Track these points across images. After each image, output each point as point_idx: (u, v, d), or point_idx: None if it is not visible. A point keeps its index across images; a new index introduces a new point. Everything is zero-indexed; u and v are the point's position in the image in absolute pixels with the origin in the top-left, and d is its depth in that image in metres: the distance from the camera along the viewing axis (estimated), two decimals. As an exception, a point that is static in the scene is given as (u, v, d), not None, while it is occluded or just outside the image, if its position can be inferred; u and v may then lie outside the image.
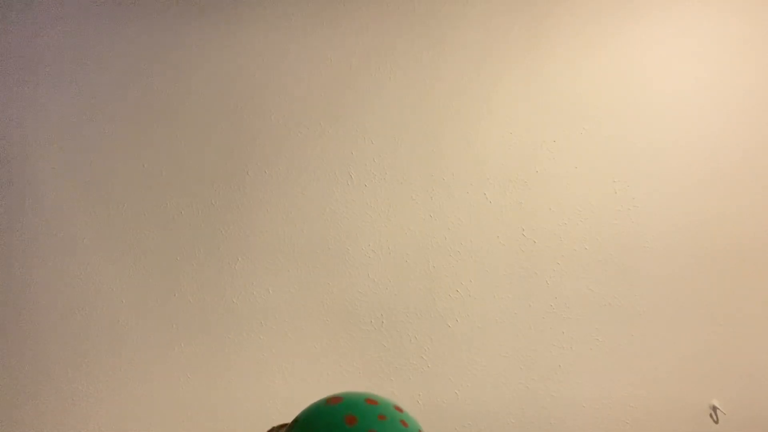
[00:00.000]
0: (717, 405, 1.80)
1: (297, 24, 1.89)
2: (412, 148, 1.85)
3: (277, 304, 1.83)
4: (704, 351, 1.81)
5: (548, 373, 1.81)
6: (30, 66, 1.88)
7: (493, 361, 1.81)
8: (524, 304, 1.82)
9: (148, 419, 1.81)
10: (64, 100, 1.88)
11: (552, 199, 1.83)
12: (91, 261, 1.84)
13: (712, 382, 1.81)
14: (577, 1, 1.86)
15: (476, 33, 1.87)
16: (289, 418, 1.84)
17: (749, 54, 1.85)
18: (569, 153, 1.83)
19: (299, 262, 1.83)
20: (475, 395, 1.81)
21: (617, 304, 1.82)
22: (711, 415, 1.81)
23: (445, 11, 1.87)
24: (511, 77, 1.86)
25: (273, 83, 1.88)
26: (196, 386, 1.82)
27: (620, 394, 1.81)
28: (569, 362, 1.81)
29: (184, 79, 1.88)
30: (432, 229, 1.83)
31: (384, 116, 1.86)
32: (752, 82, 1.84)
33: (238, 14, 1.89)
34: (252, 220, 1.84)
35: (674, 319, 1.81)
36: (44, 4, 1.89)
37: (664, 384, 1.81)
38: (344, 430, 0.73)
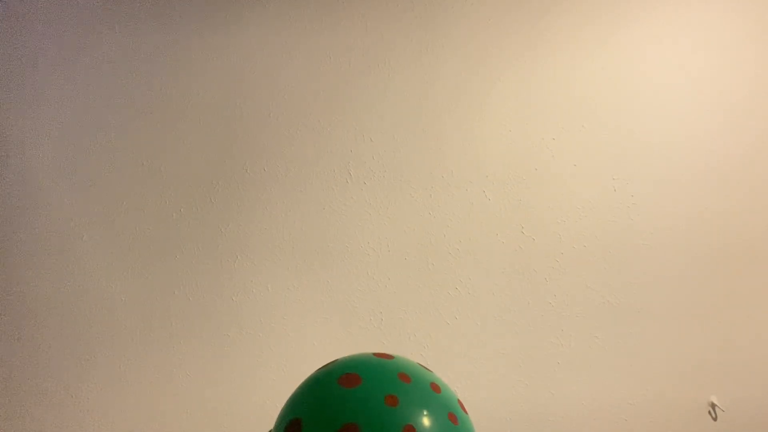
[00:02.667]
0: (715, 402, 1.81)
1: (296, 22, 1.88)
2: (412, 146, 1.85)
3: (276, 301, 1.83)
4: (703, 348, 1.81)
5: (547, 371, 1.81)
6: (29, 66, 1.88)
7: (492, 358, 1.82)
8: (523, 301, 1.82)
9: (146, 417, 1.82)
10: (64, 99, 1.87)
11: (551, 196, 1.83)
12: (90, 259, 1.84)
13: (711, 379, 1.82)
14: (576, 0, 1.86)
15: (475, 31, 1.86)
16: (288, 416, 1.83)
17: (747, 51, 1.85)
18: (568, 151, 1.83)
19: (298, 259, 1.83)
20: (474, 393, 1.81)
21: (616, 301, 1.82)
22: (710, 412, 1.81)
23: (444, 10, 1.87)
24: (510, 75, 1.85)
25: (272, 81, 1.88)
26: (195, 384, 1.82)
27: (619, 391, 1.81)
28: (568, 360, 1.81)
29: (183, 77, 1.88)
30: (431, 227, 1.83)
31: (383, 114, 1.86)
32: (751, 79, 1.84)
33: (237, 12, 1.89)
34: (251, 218, 1.84)
35: (673, 317, 1.82)
36: (44, 4, 1.89)
37: (662, 381, 1.81)
38: (399, 385, 0.73)
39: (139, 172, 1.86)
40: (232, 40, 1.88)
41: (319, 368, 0.82)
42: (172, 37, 1.88)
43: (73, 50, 1.88)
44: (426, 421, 0.70)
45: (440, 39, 1.86)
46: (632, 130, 1.84)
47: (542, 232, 1.83)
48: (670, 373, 1.81)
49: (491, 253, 1.83)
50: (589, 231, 1.82)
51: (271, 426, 0.84)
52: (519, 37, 1.86)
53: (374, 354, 0.82)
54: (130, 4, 1.89)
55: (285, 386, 1.83)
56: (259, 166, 1.86)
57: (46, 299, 1.83)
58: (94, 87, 1.88)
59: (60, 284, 1.83)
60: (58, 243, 1.84)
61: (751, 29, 1.85)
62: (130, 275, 1.83)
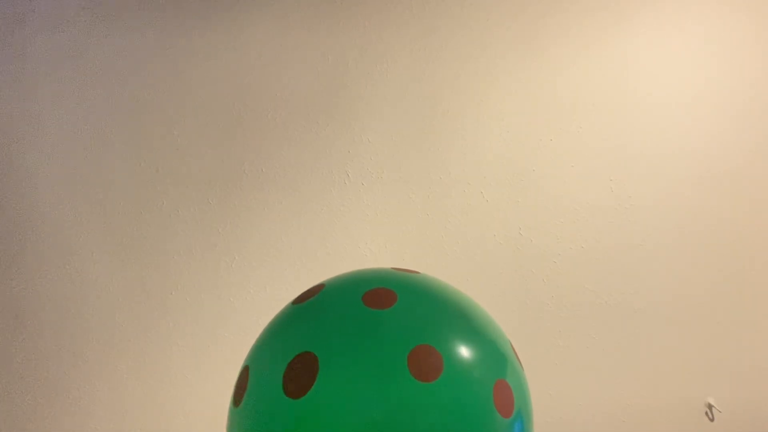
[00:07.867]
0: (713, 403, 1.81)
1: (294, 22, 1.88)
2: (409, 146, 1.85)
3: (274, 302, 1.82)
4: (700, 349, 1.82)
5: (545, 371, 1.81)
6: (27, 64, 1.88)
7: (490, 359, 1.81)
8: (521, 302, 1.82)
9: (145, 417, 1.81)
10: (62, 98, 1.87)
11: (549, 197, 1.83)
12: (88, 259, 1.83)
13: (708, 381, 1.82)
14: (573, 0, 1.86)
15: (473, 32, 1.87)
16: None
17: (744, 52, 1.85)
18: (566, 152, 1.84)
19: (296, 260, 1.83)
20: (472, 393, 1.81)
21: (613, 302, 1.82)
22: (707, 413, 1.82)
23: (441, 11, 1.87)
24: (507, 76, 1.86)
25: (270, 81, 1.87)
26: (194, 385, 1.82)
27: (616, 393, 1.82)
28: (565, 360, 1.82)
29: (181, 77, 1.88)
30: (429, 228, 1.83)
31: (381, 115, 1.86)
32: (748, 79, 1.85)
33: (235, 12, 1.89)
34: (249, 219, 1.84)
35: (670, 318, 1.82)
36: (43, 4, 1.89)
37: (660, 382, 1.81)
38: (392, 276, 0.50)
39: (137, 172, 1.86)
40: (231, 41, 1.88)
41: None
42: (172, 36, 1.88)
43: (72, 49, 1.88)
44: (464, 341, 0.33)
45: (438, 40, 1.87)
46: (630, 132, 1.84)
47: (540, 233, 1.83)
48: (667, 374, 1.82)
49: (489, 253, 1.83)
50: (587, 232, 1.82)
51: None
52: (516, 38, 1.86)
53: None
54: (129, 4, 1.89)
55: (283, 387, 1.83)
56: (257, 166, 1.86)
57: (45, 299, 1.83)
58: (92, 87, 1.87)
59: (58, 284, 1.83)
60: (56, 244, 1.84)
61: (750, 28, 1.85)
62: (128, 276, 1.83)
